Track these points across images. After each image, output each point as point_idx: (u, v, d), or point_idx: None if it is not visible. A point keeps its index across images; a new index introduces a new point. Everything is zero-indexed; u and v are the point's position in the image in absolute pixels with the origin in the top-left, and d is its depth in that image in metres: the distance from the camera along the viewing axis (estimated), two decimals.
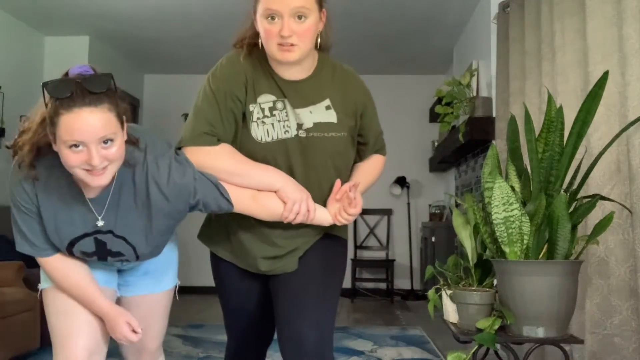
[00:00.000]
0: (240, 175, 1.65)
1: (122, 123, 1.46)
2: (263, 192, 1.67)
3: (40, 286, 1.71)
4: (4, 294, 3.52)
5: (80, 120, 1.36)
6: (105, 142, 1.40)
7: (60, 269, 1.62)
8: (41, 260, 1.62)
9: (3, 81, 4.90)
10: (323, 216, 1.73)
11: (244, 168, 1.66)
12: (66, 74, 1.43)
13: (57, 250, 1.61)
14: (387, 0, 4.72)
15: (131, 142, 1.53)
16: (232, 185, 1.64)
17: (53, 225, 1.55)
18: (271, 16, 1.58)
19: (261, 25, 1.61)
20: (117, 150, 1.43)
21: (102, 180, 1.44)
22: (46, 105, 1.40)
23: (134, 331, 1.66)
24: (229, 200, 1.62)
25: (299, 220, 1.67)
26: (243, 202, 1.65)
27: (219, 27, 5.10)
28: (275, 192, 1.67)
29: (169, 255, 1.85)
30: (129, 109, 1.51)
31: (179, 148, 1.67)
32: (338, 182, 1.73)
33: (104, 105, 1.39)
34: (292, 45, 1.59)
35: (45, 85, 1.39)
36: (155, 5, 4.88)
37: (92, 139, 1.38)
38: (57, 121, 1.37)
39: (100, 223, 1.56)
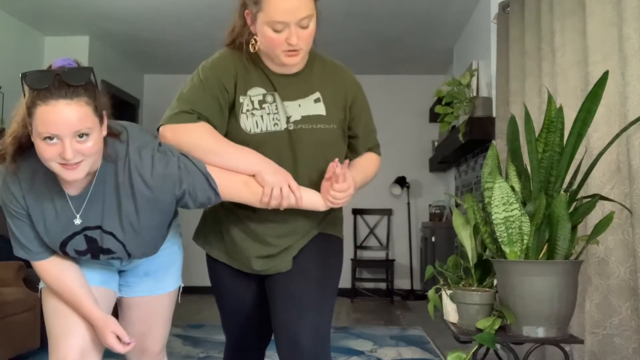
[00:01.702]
0: (217, 154, 1.61)
1: (100, 118, 1.43)
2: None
3: (40, 285, 1.71)
4: (4, 294, 3.52)
5: (55, 112, 1.34)
6: (81, 136, 1.38)
7: (53, 272, 1.61)
8: (34, 264, 1.62)
9: (3, 81, 4.90)
10: (313, 199, 1.68)
11: (222, 147, 1.63)
12: (50, 67, 1.42)
13: (51, 253, 1.60)
14: (387, 0, 4.72)
15: (113, 134, 1.51)
16: (224, 170, 1.61)
17: (43, 227, 1.54)
18: (277, 27, 1.58)
19: (264, 32, 1.61)
20: (92, 145, 1.41)
21: (76, 174, 1.42)
22: (24, 95, 1.39)
23: (126, 342, 1.61)
24: (216, 192, 1.58)
25: (284, 204, 1.63)
26: (235, 187, 1.61)
27: (219, 27, 5.07)
28: (253, 175, 1.63)
29: (171, 256, 1.84)
30: (109, 104, 1.49)
31: (158, 129, 1.65)
32: (332, 163, 1.67)
33: (82, 99, 1.37)
34: (297, 50, 1.62)
35: (24, 76, 1.37)
36: (155, 5, 4.88)
37: (66, 133, 1.36)
38: (34, 112, 1.36)
39: (77, 221, 1.54)
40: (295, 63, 1.66)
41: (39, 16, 5.16)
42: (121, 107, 6.59)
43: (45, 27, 5.46)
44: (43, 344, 3.75)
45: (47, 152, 1.38)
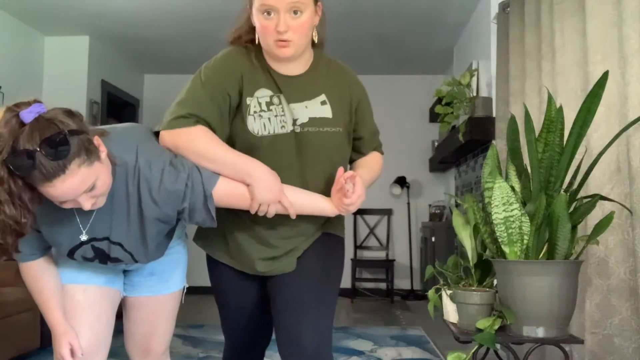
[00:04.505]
0: (212, 161, 1.57)
1: (98, 158, 1.40)
2: None
3: None
4: (4, 294, 3.52)
5: (55, 190, 1.34)
6: (88, 189, 1.38)
7: (31, 272, 1.64)
8: (20, 263, 1.64)
9: (3, 81, 4.90)
10: (321, 205, 1.68)
11: (217, 152, 1.58)
12: (16, 116, 1.32)
13: (39, 256, 1.63)
14: (387, 0, 4.72)
15: (101, 133, 1.47)
16: (234, 181, 1.59)
17: (50, 236, 1.56)
18: (267, 11, 1.59)
19: (257, 20, 1.62)
20: (102, 184, 1.42)
21: (96, 207, 1.45)
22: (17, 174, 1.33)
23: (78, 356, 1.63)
24: (212, 217, 1.57)
25: (271, 215, 1.62)
26: (243, 196, 1.59)
27: (219, 27, 5.08)
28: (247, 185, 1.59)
29: (176, 256, 1.85)
30: (93, 135, 1.42)
31: (157, 133, 1.63)
32: (340, 169, 1.65)
33: (72, 167, 1.33)
34: (287, 41, 1.60)
35: (5, 162, 1.30)
36: (155, 5, 4.88)
37: (74, 195, 1.37)
38: (36, 186, 1.34)
39: (83, 237, 1.55)
40: (285, 55, 1.63)
41: (39, 16, 5.16)
42: (121, 107, 6.60)
43: (45, 27, 5.46)
44: (43, 344, 3.74)
45: (64, 206, 1.41)
